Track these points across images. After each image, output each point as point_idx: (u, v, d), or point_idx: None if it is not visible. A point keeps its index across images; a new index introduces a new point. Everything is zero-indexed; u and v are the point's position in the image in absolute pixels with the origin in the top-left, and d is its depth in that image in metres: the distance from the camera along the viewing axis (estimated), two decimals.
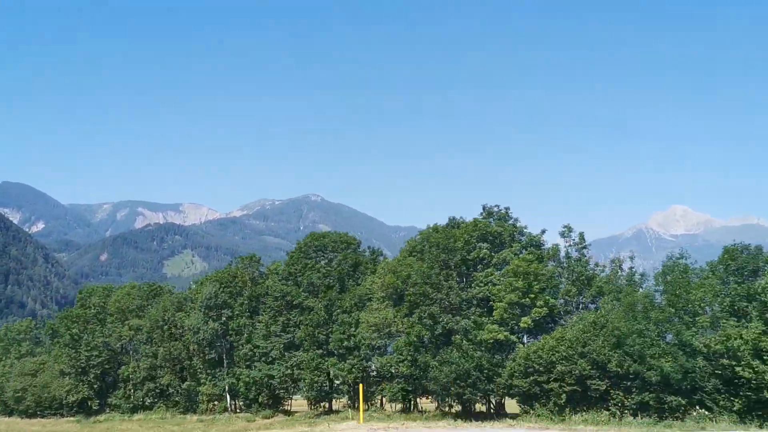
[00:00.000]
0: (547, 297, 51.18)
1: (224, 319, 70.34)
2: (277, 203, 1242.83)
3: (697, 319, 43.25)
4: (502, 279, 52.52)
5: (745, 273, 44.74)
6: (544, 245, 57.29)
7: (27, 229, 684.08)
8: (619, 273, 54.58)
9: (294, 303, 66.86)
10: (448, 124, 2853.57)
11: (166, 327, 76.91)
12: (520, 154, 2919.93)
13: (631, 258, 56.26)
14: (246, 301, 71.54)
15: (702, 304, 44.30)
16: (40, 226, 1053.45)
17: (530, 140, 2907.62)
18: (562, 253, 55.77)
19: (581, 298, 53.70)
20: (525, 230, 58.88)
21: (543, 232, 58.31)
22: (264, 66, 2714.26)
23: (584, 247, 55.74)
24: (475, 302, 54.54)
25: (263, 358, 67.15)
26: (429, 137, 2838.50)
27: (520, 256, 53.71)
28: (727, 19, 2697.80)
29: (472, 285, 55.03)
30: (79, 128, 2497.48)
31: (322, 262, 68.46)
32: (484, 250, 55.42)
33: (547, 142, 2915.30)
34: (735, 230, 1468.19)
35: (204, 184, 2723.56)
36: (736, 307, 43.10)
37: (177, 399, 75.43)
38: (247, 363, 68.09)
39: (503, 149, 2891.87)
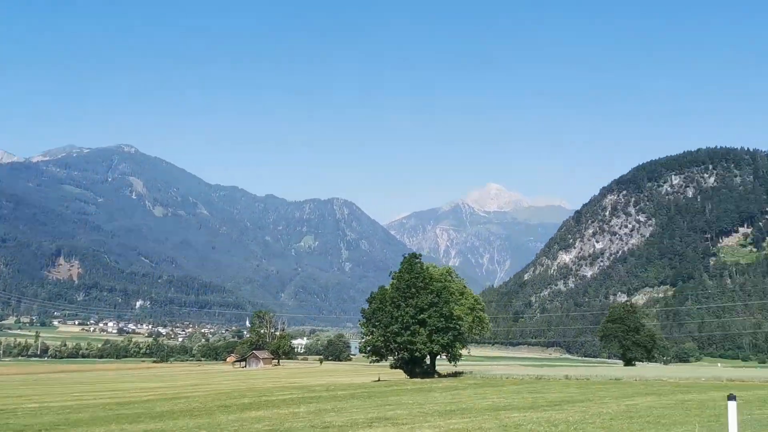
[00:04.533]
0: None
1: None
2: (86, 151, 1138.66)
3: None
4: None
5: None
6: None
7: None
8: None
9: None
10: (282, 80, 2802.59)
11: None
12: (350, 136, 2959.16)
13: None
14: None
15: None
16: None
17: (354, 119, 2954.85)
18: None
19: None
20: None
21: None
22: None
23: None
24: None
25: None
26: (260, 95, 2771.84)
27: None
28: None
29: None
30: None
31: None
32: None
33: (366, 123, 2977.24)
34: (539, 210, 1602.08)
35: (1, 125, 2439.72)
36: None
37: None
38: None
39: (334, 126, 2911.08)
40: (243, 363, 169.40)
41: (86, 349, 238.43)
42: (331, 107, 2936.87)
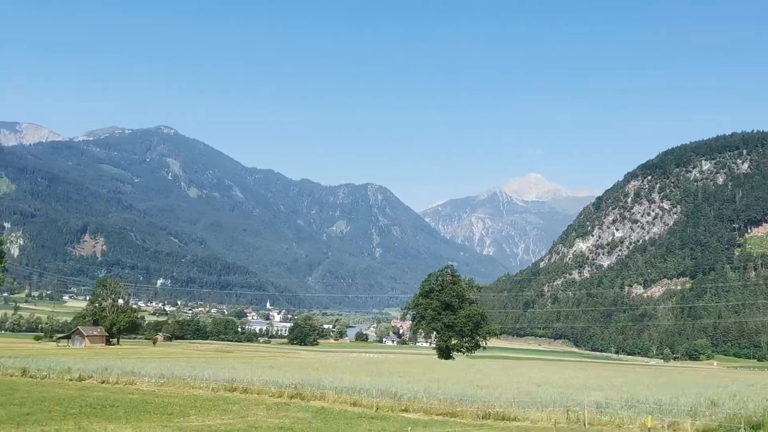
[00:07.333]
0: None
1: None
2: (127, 132, 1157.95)
3: None
4: None
5: None
6: None
7: None
8: None
9: None
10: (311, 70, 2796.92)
11: None
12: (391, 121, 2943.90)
13: None
14: None
15: None
16: None
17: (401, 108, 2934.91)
18: None
19: None
20: None
21: None
22: None
23: None
24: None
25: None
26: (299, 80, 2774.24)
27: None
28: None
29: None
30: None
31: None
32: None
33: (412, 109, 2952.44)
34: (578, 200, 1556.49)
35: (50, 104, 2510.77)
36: None
37: None
38: None
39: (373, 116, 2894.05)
40: (68, 340, 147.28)
41: (46, 323, 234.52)
42: (370, 93, 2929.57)
